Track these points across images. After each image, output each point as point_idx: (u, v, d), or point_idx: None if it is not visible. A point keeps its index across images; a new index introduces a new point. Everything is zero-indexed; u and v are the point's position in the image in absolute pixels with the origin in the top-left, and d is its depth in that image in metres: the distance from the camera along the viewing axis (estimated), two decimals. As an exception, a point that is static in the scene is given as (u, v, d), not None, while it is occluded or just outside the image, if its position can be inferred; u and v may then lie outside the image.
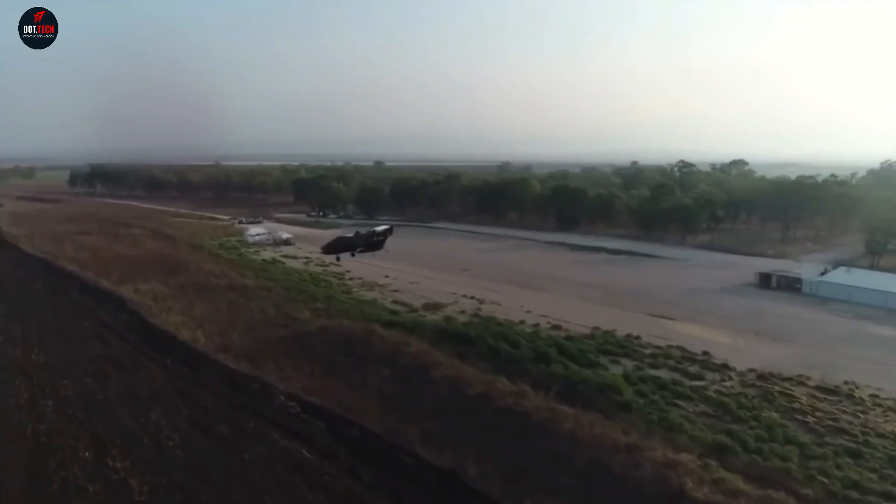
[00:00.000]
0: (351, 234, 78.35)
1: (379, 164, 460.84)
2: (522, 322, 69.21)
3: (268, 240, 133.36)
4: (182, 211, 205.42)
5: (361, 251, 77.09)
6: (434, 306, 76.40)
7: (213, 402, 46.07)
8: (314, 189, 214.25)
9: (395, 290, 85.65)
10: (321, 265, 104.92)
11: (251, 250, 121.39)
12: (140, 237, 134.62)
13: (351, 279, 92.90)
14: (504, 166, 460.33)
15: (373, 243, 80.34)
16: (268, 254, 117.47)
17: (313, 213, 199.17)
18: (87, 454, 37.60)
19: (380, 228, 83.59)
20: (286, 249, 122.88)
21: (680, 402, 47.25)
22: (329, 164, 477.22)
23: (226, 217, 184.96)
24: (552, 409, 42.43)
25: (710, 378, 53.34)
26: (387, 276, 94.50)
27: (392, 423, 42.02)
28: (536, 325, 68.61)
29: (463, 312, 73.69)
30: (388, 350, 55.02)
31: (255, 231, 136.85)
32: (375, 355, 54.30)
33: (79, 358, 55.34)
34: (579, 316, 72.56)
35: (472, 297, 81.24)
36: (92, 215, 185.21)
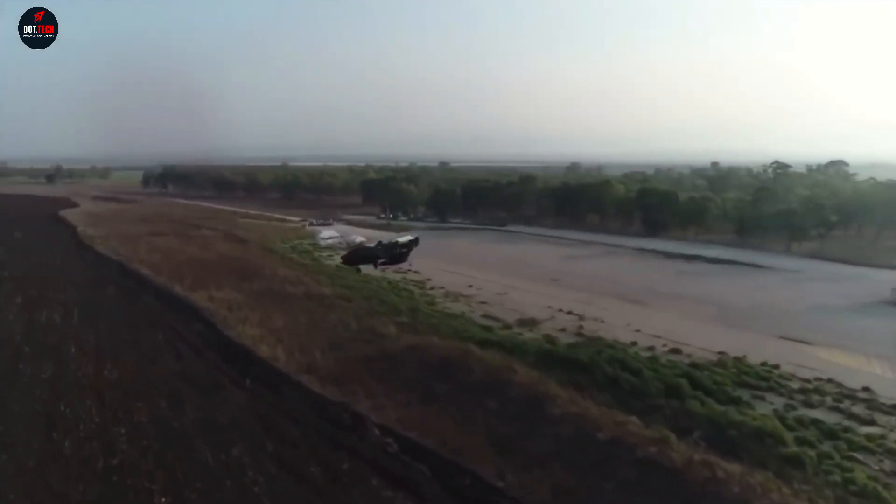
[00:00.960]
0: (373, 244, 72.26)
1: (444, 164, 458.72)
2: (634, 344, 61.75)
3: (340, 243, 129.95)
4: (251, 212, 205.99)
5: (384, 263, 71.88)
6: (529, 322, 69.78)
7: (301, 436, 40.80)
8: (383, 190, 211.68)
9: (483, 303, 79.42)
10: (399, 272, 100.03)
11: (324, 254, 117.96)
12: (212, 239, 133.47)
13: (433, 289, 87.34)
14: (573, 167, 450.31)
15: (395, 255, 74.60)
16: (338, 259, 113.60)
17: (383, 216, 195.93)
18: (163, 501, 32.77)
19: (403, 239, 77.97)
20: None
21: (859, 457, 38.93)
22: (393, 164, 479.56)
23: (295, 219, 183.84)
24: (709, 463, 34.94)
25: (885, 423, 44.63)
26: (470, 286, 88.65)
27: (511, 472, 35.54)
28: (651, 347, 60.97)
29: (563, 331, 66.73)
30: (492, 377, 48.64)
31: (326, 234, 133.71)
32: (477, 383, 48.04)
33: (153, 376, 51.37)
34: (697, 337, 64.52)
35: (570, 313, 74.18)
36: (164, 216, 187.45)
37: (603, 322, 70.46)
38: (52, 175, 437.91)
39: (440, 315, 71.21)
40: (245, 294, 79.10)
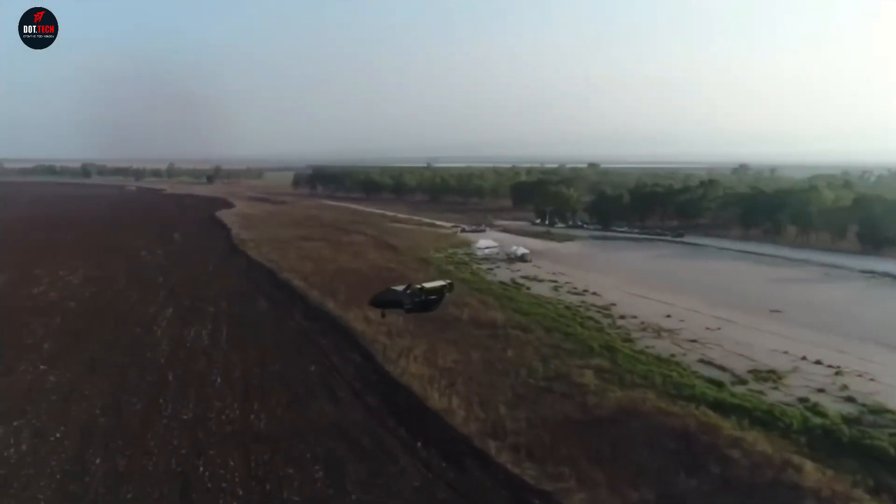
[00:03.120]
0: (401, 288, 63.32)
1: (593, 165, 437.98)
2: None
3: (499, 254, 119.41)
4: (400, 216, 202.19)
5: (409, 310, 62.79)
6: (768, 375, 54.19)
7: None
8: (538, 194, 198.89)
9: (693, 341, 64.58)
10: (574, 292, 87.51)
11: (483, 266, 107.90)
12: (362, 246, 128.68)
13: (623, 318, 73.69)
14: (741, 168, 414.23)
15: (425, 303, 64.21)
16: (503, 272, 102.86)
17: (538, 222, 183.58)
18: None
19: (430, 285, 66.98)
20: (522, 267, 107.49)
21: None
22: (539, 165, 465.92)
23: (446, 224, 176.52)
24: None
25: None
26: (669, 316, 74.11)
27: None
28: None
29: (822, 392, 50.64)
30: (764, 475, 34.99)
31: (483, 243, 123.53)
32: (745, 484, 34.54)
33: (306, 428, 43.05)
34: None
35: (818, 362, 57.52)
36: (314, 219, 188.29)
37: (874, 380, 53.39)
38: (212, 176, 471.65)
39: (646, 359, 57.64)
40: (404, 317, 70.34)
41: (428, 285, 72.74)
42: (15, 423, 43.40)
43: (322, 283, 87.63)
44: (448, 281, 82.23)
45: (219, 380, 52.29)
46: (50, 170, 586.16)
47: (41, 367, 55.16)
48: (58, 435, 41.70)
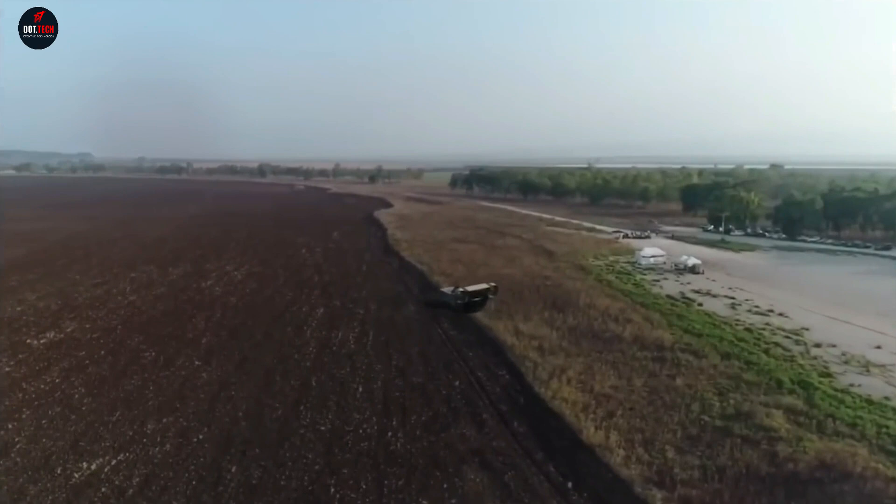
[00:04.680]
0: (448, 290, 77.30)
1: (777, 167, 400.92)
2: None
3: (666, 264, 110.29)
4: (557, 218, 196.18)
5: (455, 310, 72.51)
6: None
7: None
8: (711, 198, 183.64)
9: (914, 382, 53.69)
10: (756, 311, 77.70)
11: (647, 277, 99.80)
12: (516, 250, 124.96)
13: (818, 345, 63.51)
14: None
15: (468, 304, 74.23)
16: (671, 284, 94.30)
17: (711, 228, 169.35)
18: None
19: (474, 288, 77.59)
20: (693, 280, 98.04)
21: None
22: (713, 166, 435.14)
23: (607, 229, 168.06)
24: None
25: None
26: (878, 347, 62.80)
27: None
28: None
29: None
30: None
31: (649, 252, 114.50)
32: None
33: (445, 453, 40.03)
34: None
35: None
36: (469, 220, 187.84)
37: None
38: (374, 176, 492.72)
39: (852, 401, 48.31)
40: (558, 331, 65.69)
41: (471, 288, 78.84)
42: (164, 420, 44.67)
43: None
44: (492, 283, 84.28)
45: (360, 389, 51.01)
46: (231, 169, 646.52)
47: (196, 362, 57.32)
48: (200, 437, 42.15)
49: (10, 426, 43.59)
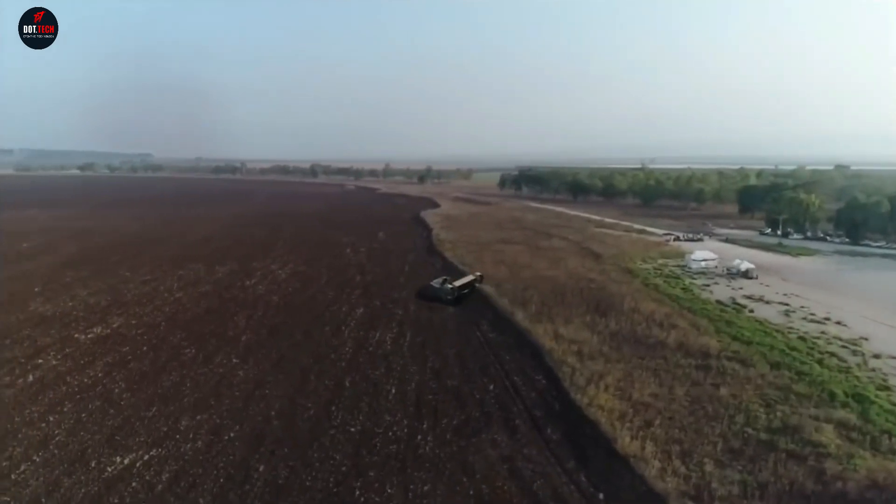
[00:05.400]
0: (438, 283, 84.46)
1: (842, 168, 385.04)
2: None
3: (717, 268, 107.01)
4: (607, 220, 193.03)
5: (448, 303, 79.01)
6: None
7: None
8: (770, 200, 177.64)
9: (985, 398, 50.37)
10: (811, 319, 74.57)
11: (697, 282, 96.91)
12: (562, 252, 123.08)
13: (878, 356, 60.41)
14: None
15: (459, 297, 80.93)
16: (721, 289, 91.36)
17: (768, 231, 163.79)
18: None
19: (461, 281, 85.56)
20: (746, 285, 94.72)
21: None
22: (773, 167, 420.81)
23: (658, 231, 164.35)
24: None
25: None
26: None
27: None
28: None
29: None
30: None
31: (700, 255, 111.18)
32: None
33: (475, 458, 39.45)
34: None
35: None
36: (516, 221, 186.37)
37: None
38: (423, 176, 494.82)
39: (914, 419, 45.68)
40: (599, 335, 64.23)
41: (459, 282, 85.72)
42: (198, 418, 45.39)
43: (514, 291, 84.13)
44: (478, 273, 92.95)
45: (393, 391, 50.86)
46: (284, 169, 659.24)
47: (234, 360, 58.18)
48: (232, 434, 42.65)
49: (51, 418, 45.02)
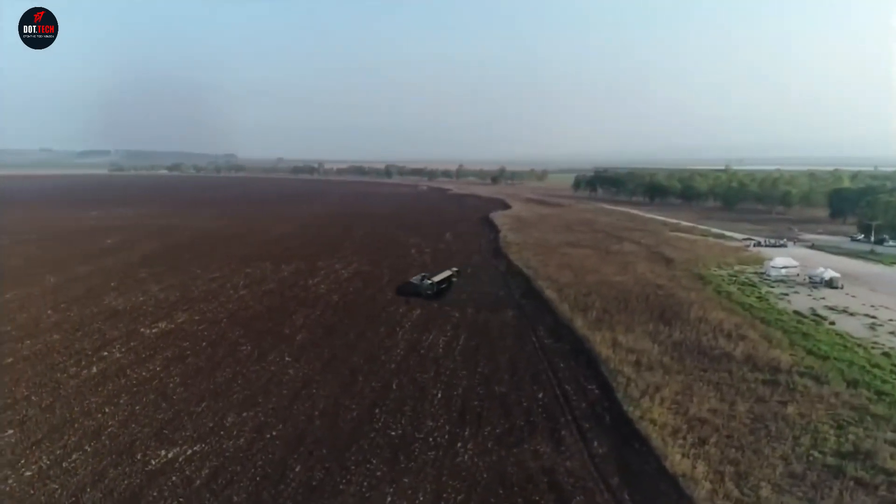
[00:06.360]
0: (417, 279, 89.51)
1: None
2: None
3: (799, 276, 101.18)
4: (684, 223, 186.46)
5: (429, 297, 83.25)
6: None
7: None
8: (863, 204, 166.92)
9: None
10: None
11: (775, 290, 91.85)
12: (632, 256, 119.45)
13: (974, 378, 55.31)
14: None
15: (438, 292, 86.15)
16: (801, 299, 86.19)
17: (861, 237, 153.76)
18: None
19: (439, 277, 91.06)
20: (829, 295, 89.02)
21: None
22: (872, 169, 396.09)
23: (737, 236, 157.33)
24: None
25: None
26: None
27: None
28: None
29: None
30: None
31: (780, 262, 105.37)
32: None
33: (514, 468, 38.39)
34: None
35: None
36: (587, 224, 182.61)
37: None
38: (496, 177, 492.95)
39: None
40: (660, 345, 61.67)
41: (437, 277, 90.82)
42: (244, 415, 46.28)
43: (576, 296, 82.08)
44: (455, 269, 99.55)
45: (439, 395, 50.35)
46: (359, 170, 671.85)
47: (287, 358, 59.21)
48: (274, 433, 43.20)
49: (107, 409, 46.98)
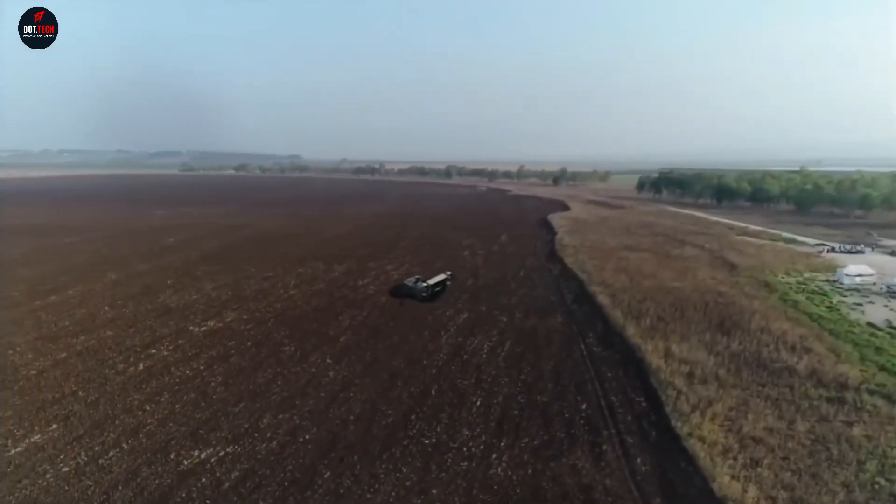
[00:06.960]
0: (411, 281, 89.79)
1: None
2: None
3: (875, 285, 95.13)
4: (751, 227, 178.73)
5: (423, 300, 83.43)
6: None
7: None
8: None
9: None
10: None
11: (847, 300, 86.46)
12: (693, 261, 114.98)
13: None
14: None
15: (432, 295, 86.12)
16: (877, 310, 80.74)
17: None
18: None
19: (434, 280, 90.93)
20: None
21: None
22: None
23: (810, 241, 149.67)
24: None
25: None
26: None
27: None
28: None
29: None
30: None
31: (855, 269, 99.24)
32: None
33: (550, 484, 36.85)
34: None
35: None
36: (648, 226, 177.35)
37: None
38: (558, 178, 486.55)
39: None
40: (716, 356, 58.63)
41: (432, 281, 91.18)
42: (280, 417, 46.20)
43: (630, 302, 79.31)
44: (449, 272, 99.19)
45: (478, 403, 49.11)
46: (420, 170, 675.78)
47: (328, 360, 59.11)
48: (307, 437, 42.89)
49: (147, 407, 47.68)
